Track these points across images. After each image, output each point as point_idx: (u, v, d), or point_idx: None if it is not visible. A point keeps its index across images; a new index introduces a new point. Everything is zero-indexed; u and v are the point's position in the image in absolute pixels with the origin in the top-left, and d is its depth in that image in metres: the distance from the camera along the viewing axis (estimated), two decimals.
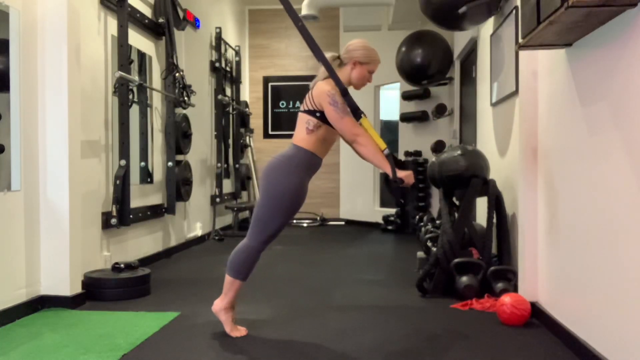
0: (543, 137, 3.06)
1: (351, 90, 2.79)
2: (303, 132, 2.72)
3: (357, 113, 2.66)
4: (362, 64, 2.79)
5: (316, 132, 2.70)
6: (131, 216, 4.24)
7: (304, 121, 2.73)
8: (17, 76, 3.18)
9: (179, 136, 5.26)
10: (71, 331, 2.89)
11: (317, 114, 2.68)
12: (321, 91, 2.66)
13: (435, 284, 3.68)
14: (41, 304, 3.32)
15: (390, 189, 2.65)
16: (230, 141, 7.38)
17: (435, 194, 7.00)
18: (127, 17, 4.28)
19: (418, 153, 7.38)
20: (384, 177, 2.77)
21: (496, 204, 3.75)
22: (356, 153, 2.74)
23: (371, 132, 2.64)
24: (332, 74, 2.70)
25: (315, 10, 6.49)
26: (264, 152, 8.70)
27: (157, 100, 5.08)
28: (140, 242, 4.70)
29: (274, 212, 2.68)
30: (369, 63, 2.81)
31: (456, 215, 3.89)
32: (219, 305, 2.84)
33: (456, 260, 3.56)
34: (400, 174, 2.59)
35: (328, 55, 2.79)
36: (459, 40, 6.16)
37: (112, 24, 4.22)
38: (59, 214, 3.36)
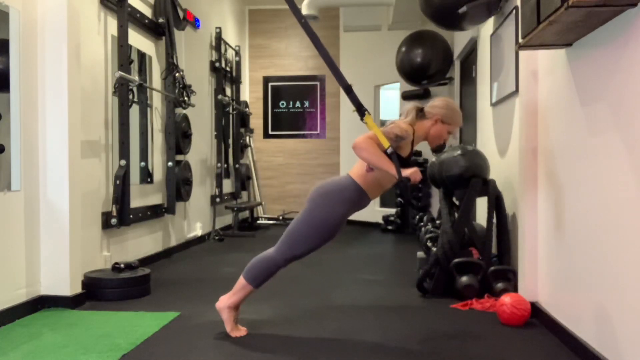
0: (543, 137, 3.06)
1: (428, 145, 2.84)
2: (362, 168, 2.69)
3: (361, 110, 2.65)
4: (443, 123, 2.78)
5: (374, 173, 2.66)
6: (131, 216, 4.24)
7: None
8: (17, 76, 3.18)
9: (179, 136, 5.26)
10: (71, 331, 2.89)
11: (387, 150, 2.60)
12: (393, 127, 2.64)
13: (435, 284, 3.68)
14: (41, 304, 3.32)
15: (399, 189, 2.63)
16: (230, 141, 7.37)
17: (435, 194, 7.00)
18: (127, 17, 4.28)
19: (418, 153, 7.37)
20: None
21: (496, 204, 3.75)
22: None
23: (375, 130, 2.60)
24: (334, 71, 2.70)
25: (315, 10, 6.49)
26: (264, 152, 8.70)
27: (157, 100, 5.08)
28: (140, 242, 4.70)
29: (309, 236, 2.67)
30: (451, 124, 2.81)
31: (456, 215, 3.89)
32: (224, 302, 2.83)
33: (456, 260, 3.56)
34: (406, 172, 2.56)
35: (411, 104, 2.81)
36: (459, 40, 6.16)
37: (112, 24, 4.22)
38: (59, 214, 3.36)
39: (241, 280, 2.80)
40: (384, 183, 2.73)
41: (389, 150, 2.58)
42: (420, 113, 2.81)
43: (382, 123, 8.33)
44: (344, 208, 2.67)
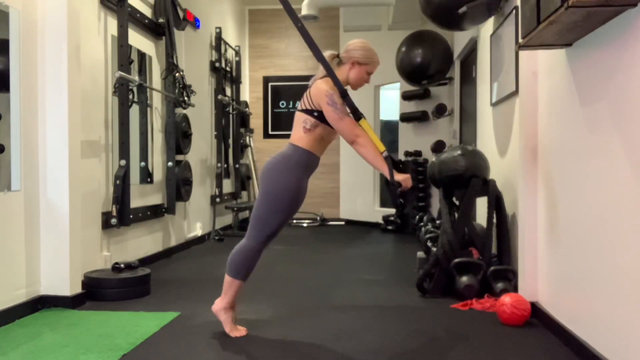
0: (543, 137, 3.06)
1: (351, 90, 2.79)
2: (300, 131, 2.72)
3: (356, 114, 2.66)
4: (360, 65, 2.77)
5: (314, 131, 2.70)
6: (131, 216, 4.24)
7: (301, 120, 2.73)
8: (17, 76, 3.18)
9: (179, 136, 5.26)
10: (71, 331, 2.89)
11: (315, 114, 2.67)
12: (319, 90, 2.65)
13: (435, 284, 3.68)
14: (41, 304, 3.32)
15: (389, 191, 2.64)
16: (230, 141, 7.37)
17: (435, 194, 7.00)
18: (127, 17, 4.28)
19: (418, 153, 7.38)
20: (384, 178, 2.76)
21: (496, 204, 3.75)
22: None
23: (370, 133, 2.62)
24: (331, 75, 2.69)
25: (315, 10, 6.49)
26: (264, 152, 8.70)
27: (157, 100, 5.08)
28: (140, 242, 4.70)
29: (273, 212, 2.68)
30: (368, 64, 2.79)
31: (456, 215, 3.89)
32: (218, 305, 2.84)
33: (456, 260, 3.56)
34: (398, 177, 2.57)
35: (327, 53, 2.78)
36: (459, 40, 6.16)
37: (112, 24, 4.22)
38: (59, 214, 3.36)
39: (227, 279, 2.80)
40: (326, 137, 2.75)
41: (385, 154, 2.59)
42: (337, 59, 2.80)
43: (383, 123, 8.36)
44: (295, 175, 2.68)
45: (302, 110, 2.72)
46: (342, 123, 2.62)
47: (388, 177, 2.57)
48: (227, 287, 2.81)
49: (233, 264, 2.79)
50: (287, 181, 2.66)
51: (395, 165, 2.64)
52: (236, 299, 2.87)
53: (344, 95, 2.66)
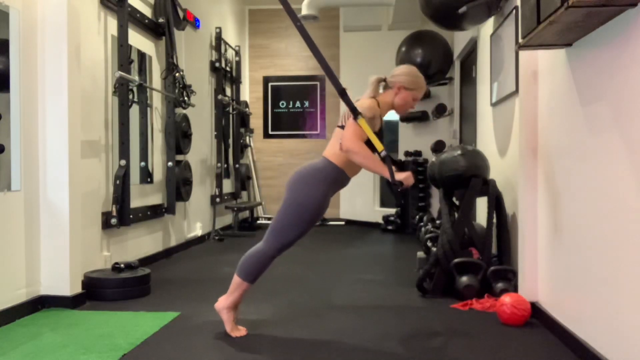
0: (543, 137, 3.06)
1: (396, 113, 2.84)
2: (336, 147, 2.70)
3: (355, 113, 2.66)
4: (407, 90, 2.79)
5: None
6: (131, 216, 4.24)
7: (338, 137, 2.71)
8: (17, 76, 3.18)
9: (179, 136, 5.26)
10: (71, 331, 2.89)
11: (381, 153, 2.62)
12: (359, 107, 2.65)
13: (435, 284, 3.68)
14: (41, 304, 3.32)
15: (391, 191, 2.63)
16: (230, 141, 7.37)
17: (435, 194, 7.00)
18: (127, 17, 4.28)
19: (418, 153, 7.38)
20: (385, 179, 2.76)
21: (496, 204, 3.75)
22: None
23: (369, 133, 2.62)
24: (329, 75, 2.70)
25: (315, 10, 6.49)
26: (264, 152, 8.70)
27: (157, 100, 5.08)
28: (140, 242, 4.70)
29: (294, 223, 2.68)
30: (415, 90, 2.81)
31: (456, 215, 3.89)
32: (222, 303, 2.84)
33: (456, 260, 3.56)
34: (399, 176, 2.57)
35: (374, 77, 2.81)
36: (459, 40, 6.16)
37: (112, 24, 4.22)
38: (59, 214, 3.36)
39: (236, 279, 2.80)
40: None
41: (383, 154, 2.59)
42: (384, 83, 2.82)
43: (383, 124, 8.35)
44: (323, 188, 2.67)
45: (341, 127, 2.72)
46: (350, 132, 2.60)
47: (389, 178, 2.57)
48: (235, 288, 2.81)
49: (245, 266, 2.78)
50: (313, 195, 2.65)
51: (395, 163, 2.64)
52: (241, 300, 2.87)
53: (343, 94, 2.66)
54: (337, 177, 2.72)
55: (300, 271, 4.64)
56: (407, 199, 7.09)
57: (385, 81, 2.84)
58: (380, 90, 2.85)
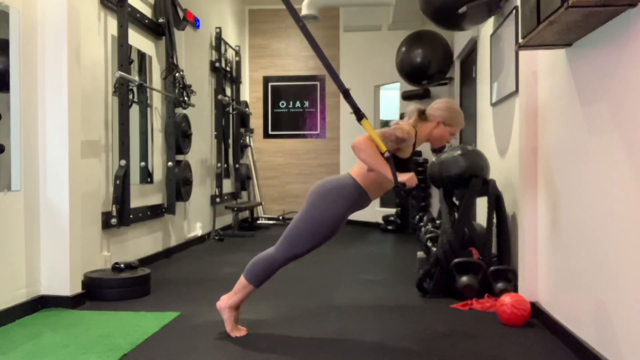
0: (543, 137, 3.06)
1: (431, 146, 2.87)
2: (363, 168, 2.68)
3: (358, 114, 2.65)
4: (445, 125, 2.80)
5: (375, 173, 2.65)
6: (131, 216, 4.24)
7: None
8: (17, 76, 3.18)
9: (179, 136, 5.26)
10: (71, 331, 2.89)
11: (385, 154, 2.60)
12: (396, 128, 2.63)
13: (435, 284, 3.68)
14: (41, 304, 3.32)
15: (395, 192, 2.63)
16: (230, 141, 7.37)
17: (435, 194, 7.00)
18: (127, 17, 4.28)
19: (418, 153, 7.37)
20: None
21: (496, 204, 3.75)
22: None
23: (372, 133, 2.61)
24: (333, 75, 2.69)
25: (315, 10, 6.49)
26: (264, 152, 8.70)
27: (157, 100, 5.08)
28: (140, 242, 4.70)
29: (309, 234, 2.67)
30: (453, 126, 2.82)
31: (456, 215, 3.89)
32: (225, 302, 2.83)
33: (456, 260, 3.56)
34: (402, 177, 2.56)
35: (413, 106, 2.80)
36: (459, 40, 6.16)
37: (112, 24, 4.22)
38: (59, 214, 3.36)
39: (242, 280, 2.80)
40: (384, 184, 2.72)
41: (386, 155, 2.58)
42: (422, 115, 2.81)
43: (383, 124, 8.35)
44: (344, 206, 2.66)
45: None
46: (365, 137, 2.58)
47: (392, 179, 2.56)
48: (239, 288, 2.80)
49: (253, 269, 2.77)
50: (334, 211, 2.64)
51: (402, 162, 2.64)
52: (244, 302, 2.87)
53: (346, 95, 2.66)
54: (359, 197, 2.70)
55: (300, 271, 4.63)
56: (408, 199, 7.09)
57: (424, 113, 2.82)
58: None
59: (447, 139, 2.84)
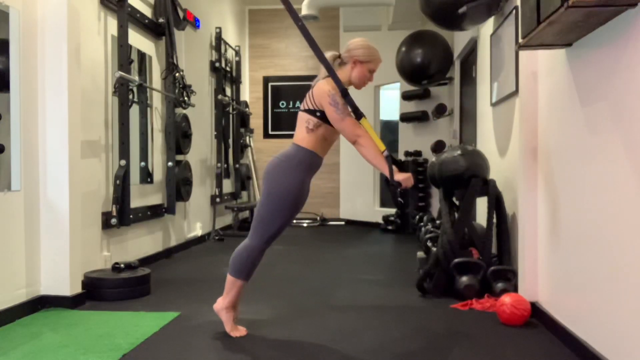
0: (543, 137, 3.06)
1: (351, 89, 2.78)
2: (303, 132, 2.72)
3: (357, 113, 2.66)
4: (362, 63, 2.77)
5: (316, 132, 2.69)
6: (131, 216, 4.24)
7: (303, 120, 2.72)
8: (17, 76, 3.18)
9: (179, 136, 5.26)
10: (71, 331, 2.89)
11: (317, 114, 2.67)
12: (321, 91, 2.65)
13: (435, 284, 3.68)
14: (41, 304, 3.32)
15: (389, 190, 2.63)
16: (230, 141, 7.37)
17: (435, 194, 7.00)
18: (127, 17, 4.28)
19: (418, 153, 7.38)
20: (384, 178, 2.76)
21: (496, 204, 3.75)
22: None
23: (371, 133, 2.63)
24: (332, 75, 2.69)
25: (315, 10, 6.49)
26: (264, 152, 8.70)
27: (157, 100, 5.08)
28: (140, 242, 4.70)
29: (275, 212, 2.68)
30: (370, 62, 2.79)
31: (456, 215, 3.88)
32: (220, 304, 2.84)
33: (456, 260, 3.56)
34: (399, 176, 2.57)
35: (329, 54, 2.77)
36: (459, 40, 6.16)
37: (112, 24, 4.22)
38: (59, 214, 3.36)
39: (229, 278, 2.80)
40: (329, 137, 2.75)
41: (385, 153, 2.59)
42: (339, 60, 2.80)
43: (383, 124, 8.36)
44: (298, 176, 2.67)
45: (305, 111, 2.72)
46: (343, 123, 2.62)
47: (388, 176, 2.58)
48: (229, 287, 2.81)
49: (235, 264, 2.78)
50: (289, 182, 2.66)
51: (397, 164, 2.64)
52: (238, 299, 2.87)
53: (345, 95, 2.66)
54: (310, 160, 2.72)
55: (301, 271, 4.64)
56: (406, 200, 7.09)
57: (340, 57, 2.81)
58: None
59: (368, 77, 2.81)
